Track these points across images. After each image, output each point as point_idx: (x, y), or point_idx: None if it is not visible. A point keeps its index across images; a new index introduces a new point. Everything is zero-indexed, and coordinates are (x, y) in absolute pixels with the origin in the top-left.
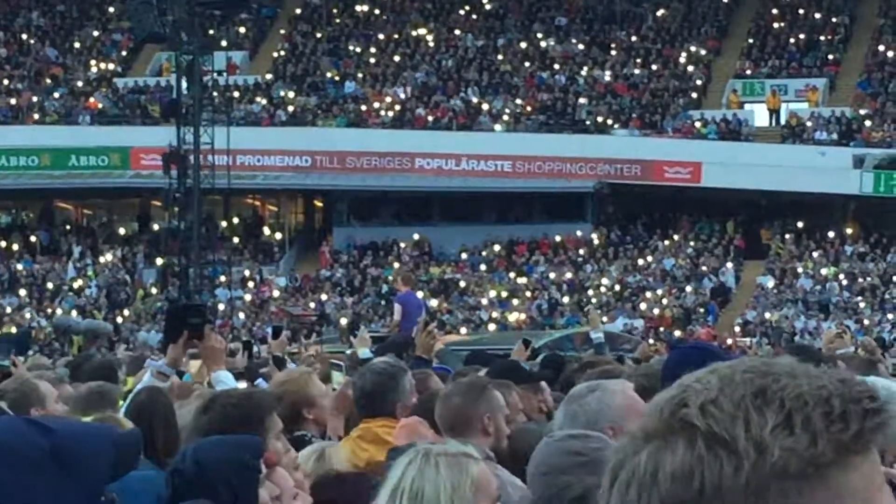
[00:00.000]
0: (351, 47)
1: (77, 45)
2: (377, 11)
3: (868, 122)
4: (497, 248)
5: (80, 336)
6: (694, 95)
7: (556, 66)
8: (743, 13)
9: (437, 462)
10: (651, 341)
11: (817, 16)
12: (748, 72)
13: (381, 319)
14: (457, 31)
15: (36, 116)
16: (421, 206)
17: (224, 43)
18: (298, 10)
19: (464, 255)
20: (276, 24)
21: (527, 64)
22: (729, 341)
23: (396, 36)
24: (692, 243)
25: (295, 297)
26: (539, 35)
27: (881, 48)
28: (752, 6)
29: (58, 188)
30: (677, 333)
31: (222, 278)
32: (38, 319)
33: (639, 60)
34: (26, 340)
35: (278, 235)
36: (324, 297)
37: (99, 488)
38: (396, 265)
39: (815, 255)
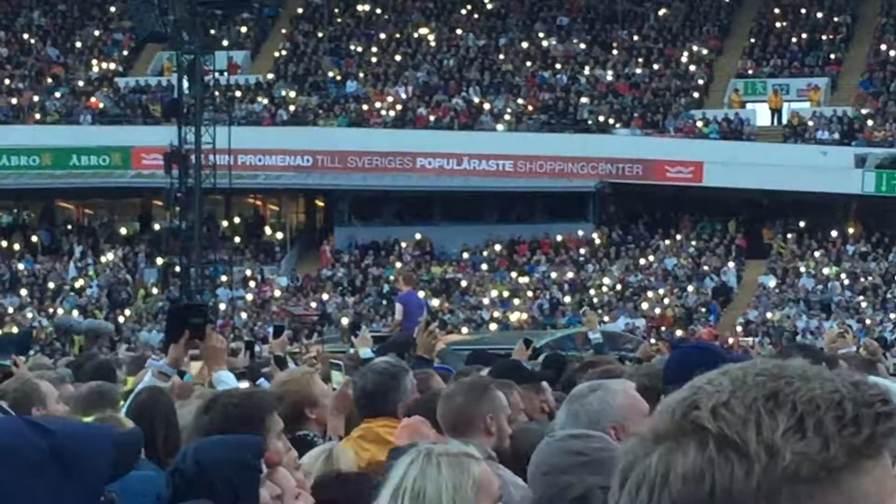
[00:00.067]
0: (352, 47)
1: (78, 44)
2: (378, 11)
3: (870, 122)
4: (498, 247)
5: (82, 336)
6: (696, 95)
7: (558, 66)
8: (745, 12)
9: (438, 462)
10: (653, 341)
11: (819, 15)
12: (750, 71)
13: (383, 319)
14: (458, 31)
15: (37, 116)
16: (422, 206)
17: (225, 42)
18: (300, 10)
19: (465, 255)
20: (278, 23)
21: (528, 63)
22: (730, 340)
23: (398, 35)
24: (694, 243)
25: (296, 297)
26: (541, 34)
27: (883, 47)
28: (753, 5)
29: (59, 188)
30: (679, 333)
31: (223, 278)
32: (39, 319)
33: (640, 60)
34: (27, 340)
35: (279, 235)
36: (325, 296)
37: (99, 488)
38: (398, 265)
39: (816, 254)
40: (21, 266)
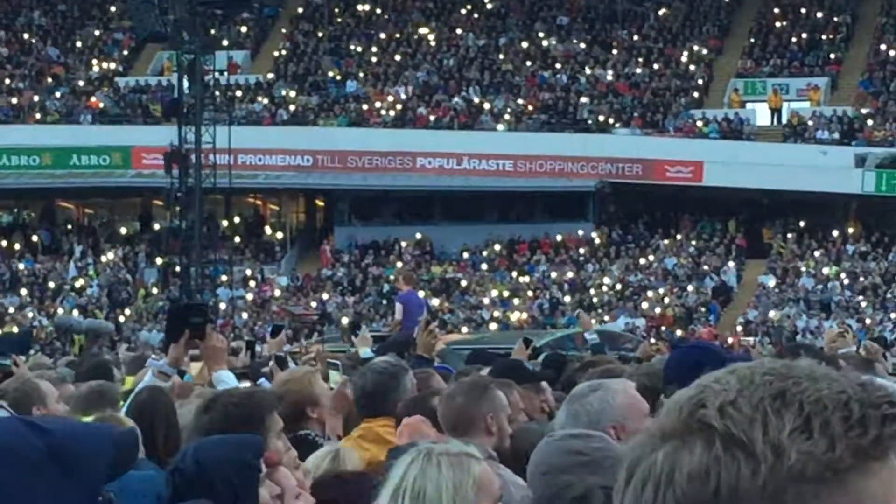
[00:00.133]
0: (352, 46)
1: (78, 44)
2: (378, 11)
3: (870, 122)
4: (498, 247)
5: (82, 335)
6: (695, 94)
7: (558, 66)
8: (744, 12)
9: (438, 461)
10: (652, 340)
11: (819, 15)
12: (750, 71)
13: (383, 319)
14: (458, 31)
15: (37, 116)
16: (422, 206)
17: (225, 42)
18: (300, 10)
19: (465, 255)
20: (278, 23)
21: (528, 63)
22: (730, 340)
23: (398, 35)
24: (694, 242)
25: (296, 297)
26: (541, 34)
27: (883, 47)
28: (753, 5)
29: (59, 187)
30: (679, 333)
31: (224, 278)
32: (39, 319)
33: (640, 59)
34: (28, 340)
35: (279, 235)
36: (325, 296)
37: (97, 488)
38: (398, 265)
39: (816, 254)
40: (21, 266)
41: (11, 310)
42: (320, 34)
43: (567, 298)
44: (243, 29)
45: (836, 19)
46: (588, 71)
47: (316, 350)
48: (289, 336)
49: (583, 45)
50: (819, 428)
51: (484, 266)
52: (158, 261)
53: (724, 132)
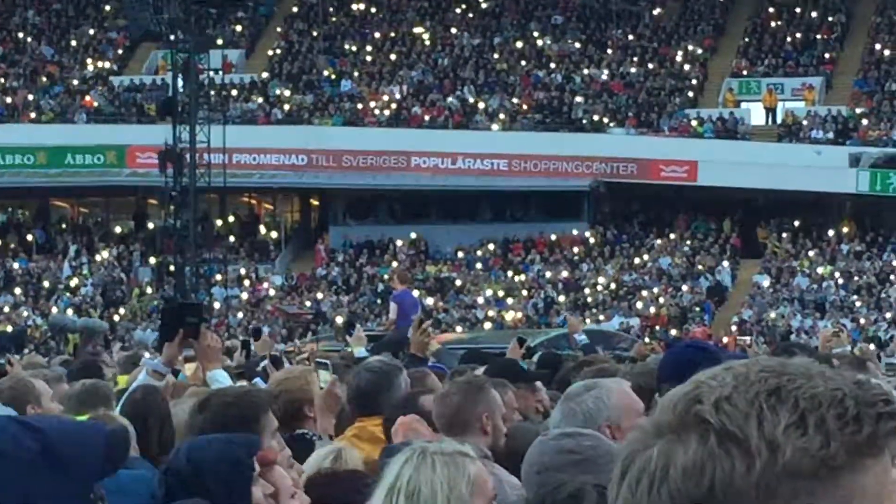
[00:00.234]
0: (347, 46)
1: (73, 43)
2: (373, 10)
3: (864, 121)
4: (493, 246)
5: (76, 334)
6: (690, 94)
7: (553, 65)
8: (739, 12)
9: (433, 460)
10: (647, 340)
11: (814, 14)
12: (744, 70)
13: (377, 318)
14: (453, 30)
15: (32, 115)
16: (417, 205)
17: (220, 41)
18: (295, 9)
19: (460, 254)
20: (273, 22)
21: (523, 62)
22: (725, 339)
23: (392, 34)
24: (688, 242)
25: (291, 296)
26: (535, 34)
27: (878, 47)
28: (748, 5)
29: (54, 186)
30: (673, 332)
31: (218, 277)
32: (34, 318)
33: (635, 59)
34: (22, 339)
35: (274, 234)
36: (319, 295)
37: (90, 486)
38: (394, 264)
39: (811, 253)
40: (16, 265)
41: (6, 309)
42: (315, 33)
43: (561, 298)
44: (238, 28)
45: (830, 19)
46: (583, 70)
47: (310, 349)
48: (283, 336)
49: (577, 45)
50: (814, 424)
51: (478, 265)
52: (153, 260)
53: (719, 132)
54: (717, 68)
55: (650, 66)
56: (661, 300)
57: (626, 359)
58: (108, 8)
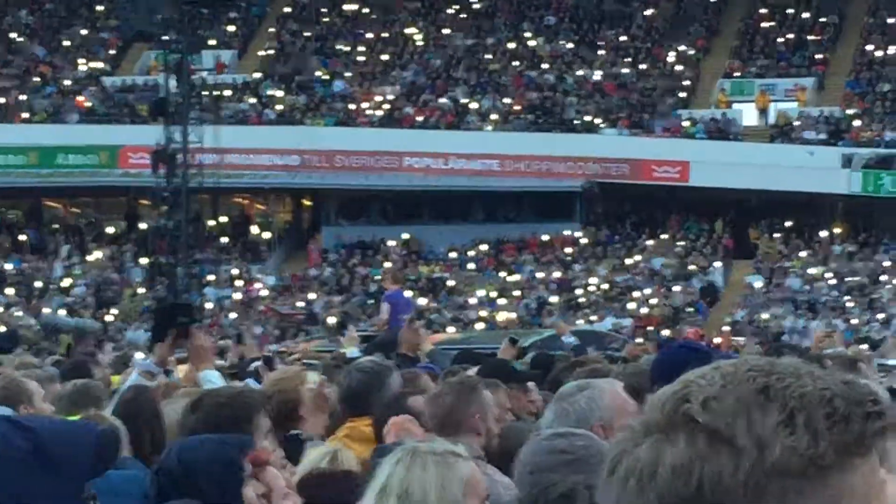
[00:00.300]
0: (339, 46)
1: (65, 43)
2: (366, 10)
3: (856, 122)
4: (485, 247)
5: (69, 335)
6: (682, 95)
7: (545, 66)
8: (732, 12)
9: (424, 460)
10: (639, 340)
11: (806, 15)
12: (737, 71)
13: (370, 318)
14: (445, 30)
15: (24, 115)
16: (409, 206)
17: (212, 42)
18: (287, 9)
19: (452, 255)
20: (265, 22)
21: (515, 63)
22: (717, 340)
23: (385, 35)
24: (680, 243)
25: (283, 297)
26: (528, 34)
27: (870, 47)
28: (740, 5)
29: (46, 187)
30: (665, 333)
31: (210, 277)
32: (26, 318)
33: (627, 60)
34: (14, 339)
35: (266, 234)
36: (312, 296)
37: (80, 485)
38: (386, 264)
39: (803, 254)
40: (8, 265)
41: (0, 309)
42: (307, 33)
43: (554, 298)
44: (230, 28)
45: (822, 20)
46: (575, 71)
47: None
48: (275, 336)
49: (570, 45)
50: (802, 423)
51: (471, 266)
52: (145, 260)
53: (711, 132)
54: (710, 69)
55: (642, 66)
56: (654, 301)
57: (618, 359)
58: (100, 8)
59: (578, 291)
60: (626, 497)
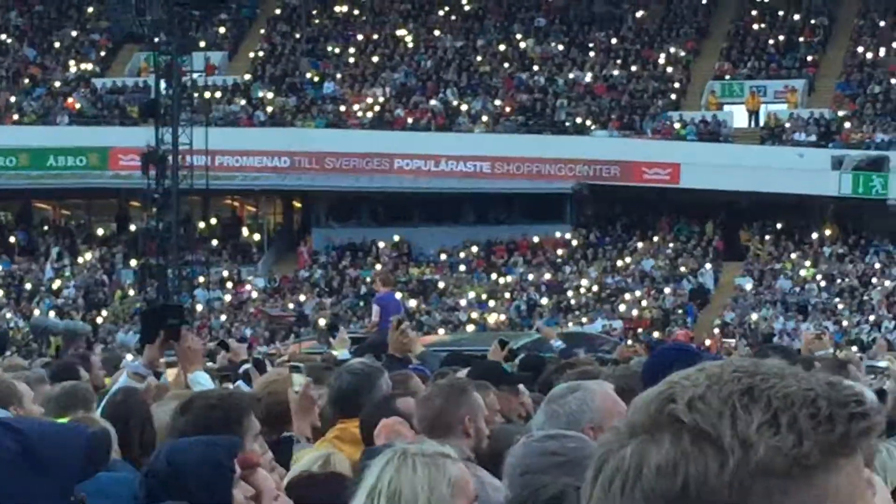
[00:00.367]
0: (330, 48)
1: (55, 45)
2: (356, 12)
3: (847, 124)
4: (476, 249)
5: (59, 337)
6: (673, 97)
7: (536, 67)
8: (722, 14)
9: (414, 462)
10: (630, 342)
11: (796, 17)
12: (727, 73)
13: (360, 320)
14: (436, 32)
15: (14, 116)
16: (400, 207)
17: (203, 43)
18: (277, 11)
19: (443, 256)
20: (255, 24)
21: (506, 65)
22: (707, 342)
23: (375, 37)
24: (671, 245)
25: (273, 298)
26: (518, 36)
27: (860, 50)
28: (731, 7)
29: (36, 188)
30: (656, 335)
31: (201, 279)
32: (15, 320)
33: (618, 62)
34: (4, 341)
35: (257, 236)
36: (302, 297)
37: (70, 487)
38: (377, 266)
39: (793, 256)
40: None
41: None
42: (297, 35)
43: (544, 300)
44: (221, 30)
45: (813, 21)
46: (566, 73)
47: (292, 351)
48: (265, 338)
49: (560, 47)
50: (787, 424)
51: (461, 268)
52: (135, 262)
53: (702, 134)
54: (700, 71)
55: (633, 68)
56: (644, 303)
57: (608, 361)
58: (90, 10)
59: (569, 293)
60: (611, 498)
